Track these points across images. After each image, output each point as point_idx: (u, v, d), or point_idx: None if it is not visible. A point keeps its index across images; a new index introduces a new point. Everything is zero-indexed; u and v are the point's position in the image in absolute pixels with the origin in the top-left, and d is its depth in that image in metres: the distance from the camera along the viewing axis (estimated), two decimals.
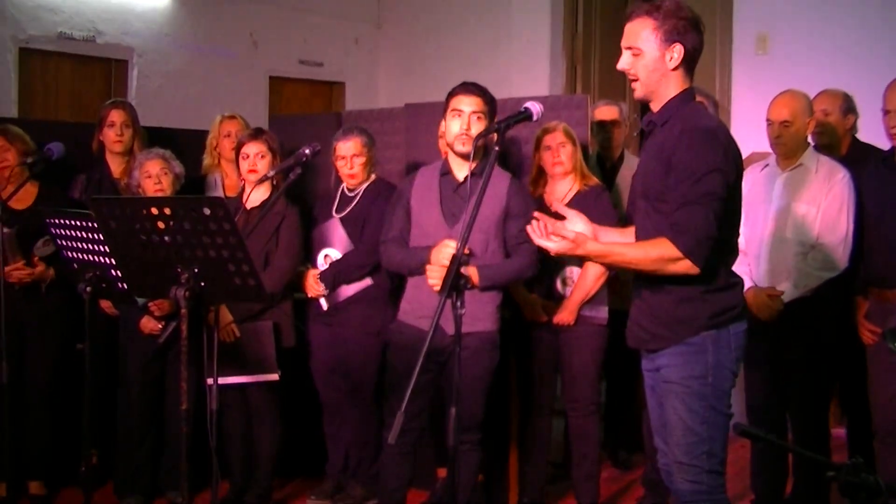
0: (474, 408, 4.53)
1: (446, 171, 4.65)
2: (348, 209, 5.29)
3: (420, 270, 4.48)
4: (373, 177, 5.35)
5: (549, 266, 5.04)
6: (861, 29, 7.13)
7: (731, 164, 3.41)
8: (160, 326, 5.21)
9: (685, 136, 3.39)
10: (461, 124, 4.50)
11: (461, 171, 4.60)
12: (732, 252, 3.57)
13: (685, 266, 3.34)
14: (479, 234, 4.35)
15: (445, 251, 4.33)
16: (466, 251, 4.35)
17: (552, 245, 3.40)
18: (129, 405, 5.39)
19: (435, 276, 4.36)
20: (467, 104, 4.52)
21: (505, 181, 4.60)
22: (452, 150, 4.58)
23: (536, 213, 3.50)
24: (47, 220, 4.38)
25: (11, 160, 5.23)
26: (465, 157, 4.54)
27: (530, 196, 4.81)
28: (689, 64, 3.49)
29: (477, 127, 4.50)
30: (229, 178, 5.91)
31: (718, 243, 3.38)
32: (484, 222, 4.38)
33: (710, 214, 3.34)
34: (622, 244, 3.49)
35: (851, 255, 4.73)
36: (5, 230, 4.88)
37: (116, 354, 5.44)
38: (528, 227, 3.44)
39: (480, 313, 4.48)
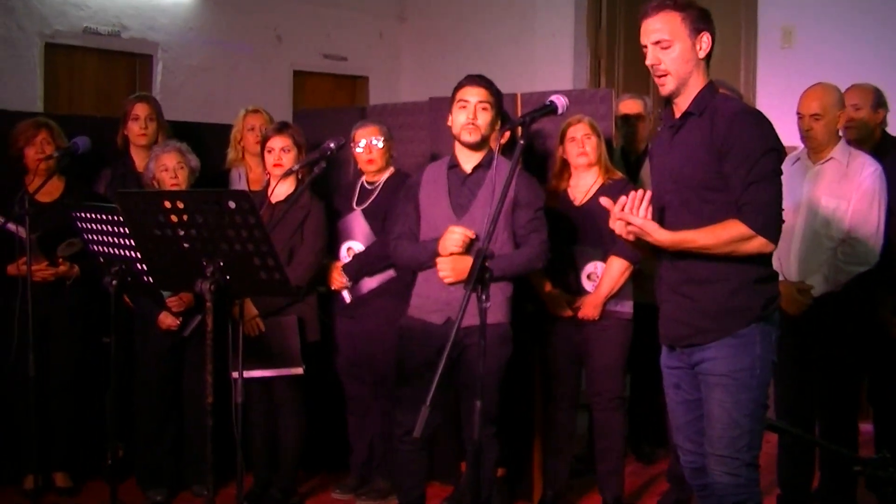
0: (489, 401, 4.51)
1: (454, 164, 4.66)
2: (369, 201, 5.31)
3: (431, 263, 4.49)
4: (391, 169, 5.36)
5: (573, 261, 5.04)
6: (887, 22, 7.08)
7: (782, 145, 3.46)
8: (178, 322, 5.23)
9: (737, 120, 3.42)
10: (467, 114, 4.52)
11: (468, 162, 4.61)
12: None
13: (759, 244, 3.38)
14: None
15: (452, 238, 4.36)
16: (474, 236, 4.38)
17: (621, 227, 3.44)
18: (146, 399, 5.42)
19: (445, 268, 4.37)
20: (473, 95, 4.54)
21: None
22: (459, 140, 4.59)
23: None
24: (73, 214, 4.39)
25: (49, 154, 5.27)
26: (471, 147, 4.56)
27: (539, 186, 4.79)
28: (710, 54, 3.52)
29: (483, 117, 4.53)
30: (253, 171, 5.92)
31: None
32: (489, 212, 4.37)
33: (778, 191, 3.41)
34: (689, 231, 3.45)
35: (882, 249, 4.69)
36: (31, 236, 4.91)
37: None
38: (623, 197, 3.44)
39: (491, 305, 4.46)
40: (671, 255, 3.55)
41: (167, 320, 5.24)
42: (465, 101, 4.53)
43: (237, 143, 5.97)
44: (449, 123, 4.63)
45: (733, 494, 3.52)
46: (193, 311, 5.18)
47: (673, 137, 3.60)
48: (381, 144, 5.28)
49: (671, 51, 3.47)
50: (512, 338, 4.63)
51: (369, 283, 5.30)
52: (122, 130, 5.69)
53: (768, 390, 3.57)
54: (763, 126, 3.44)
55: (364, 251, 5.27)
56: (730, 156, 3.40)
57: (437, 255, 4.43)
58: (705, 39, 3.48)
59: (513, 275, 4.57)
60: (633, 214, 3.41)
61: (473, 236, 4.41)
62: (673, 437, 3.90)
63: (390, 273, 5.22)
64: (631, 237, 3.49)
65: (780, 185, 3.43)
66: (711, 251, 3.43)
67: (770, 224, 3.39)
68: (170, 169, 5.24)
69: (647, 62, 3.54)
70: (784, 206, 3.48)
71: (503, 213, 4.50)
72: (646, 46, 3.53)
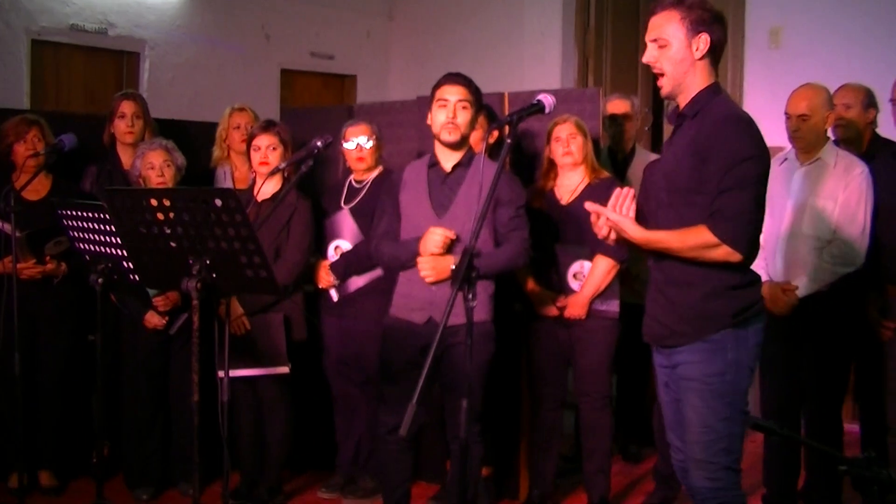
0: (474, 399, 4.49)
1: (434, 163, 4.63)
2: (357, 200, 5.31)
3: (412, 263, 4.47)
4: (380, 168, 5.37)
5: (559, 260, 5.04)
6: (874, 22, 7.09)
7: (766, 152, 3.42)
8: (165, 321, 5.21)
9: (720, 125, 3.39)
10: (447, 113, 4.49)
11: (448, 161, 4.58)
12: (757, 247, 3.51)
13: (724, 253, 3.35)
14: (471, 224, 4.31)
15: (433, 239, 4.36)
16: (454, 236, 4.36)
17: (602, 220, 3.46)
18: (133, 397, 5.41)
19: (426, 267, 4.37)
20: (452, 93, 4.50)
21: (494, 170, 4.58)
22: (439, 139, 4.56)
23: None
24: (59, 212, 4.38)
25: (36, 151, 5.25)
26: (451, 146, 4.54)
27: (519, 184, 4.76)
28: (714, 56, 3.50)
29: (462, 116, 4.50)
30: (239, 170, 5.91)
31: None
32: (475, 212, 4.33)
33: (750, 199, 3.36)
34: (661, 232, 3.46)
35: (868, 250, 4.70)
36: (17, 234, 4.89)
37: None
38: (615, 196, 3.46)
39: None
40: (655, 255, 3.55)
41: (154, 319, 5.23)
42: (445, 99, 4.50)
43: (223, 142, 5.96)
44: (428, 122, 4.60)
45: (714, 499, 3.51)
46: (180, 310, 5.17)
47: (671, 138, 3.61)
48: (370, 144, 5.28)
49: (666, 49, 3.46)
50: (494, 336, 4.62)
51: (357, 282, 5.29)
52: (108, 128, 5.67)
53: (747, 395, 3.55)
54: (747, 132, 3.40)
55: (352, 250, 5.27)
56: (710, 160, 3.37)
57: (418, 254, 4.43)
58: (703, 40, 3.44)
59: (495, 272, 4.55)
60: (616, 211, 3.42)
61: (454, 237, 4.40)
62: (664, 434, 3.90)
63: (378, 272, 5.21)
64: (612, 234, 3.49)
65: (756, 193, 3.38)
66: (678, 255, 3.43)
67: (737, 233, 3.35)
68: (156, 167, 5.22)
69: (643, 58, 3.54)
70: (771, 206, 3.48)
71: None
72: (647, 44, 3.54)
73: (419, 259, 4.42)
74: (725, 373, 3.45)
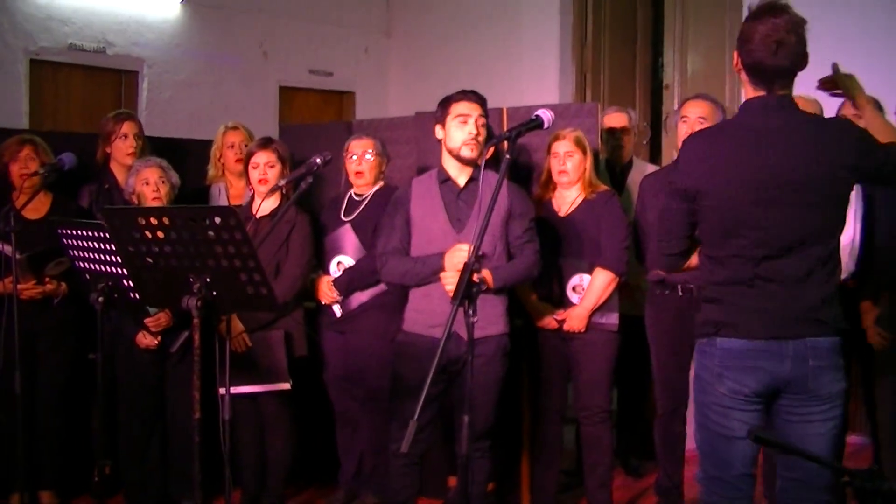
0: (486, 415, 4.50)
1: (445, 178, 4.61)
2: (356, 213, 5.31)
3: (433, 278, 4.45)
4: (381, 183, 5.37)
5: (558, 273, 5.04)
6: (874, 35, 7.09)
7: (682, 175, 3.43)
8: (156, 342, 5.21)
9: None
10: (470, 130, 4.47)
11: (461, 176, 4.57)
12: (722, 263, 3.39)
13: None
14: (488, 237, 4.30)
15: (459, 255, 4.30)
16: (480, 253, 4.37)
17: None
18: (130, 414, 5.39)
19: (452, 281, 4.34)
20: (472, 109, 4.49)
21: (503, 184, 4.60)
22: (458, 155, 4.52)
23: None
24: (59, 231, 4.37)
25: (34, 170, 5.26)
26: (467, 163, 4.53)
27: (528, 196, 4.79)
28: (747, 74, 3.58)
29: (482, 133, 4.51)
30: (234, 187, 5.91)
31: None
32: (491, 226, 4.33)
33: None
34: None
35: (859, 258, 4.69)
36: (18, 255, 4.89)
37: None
38: None
39: (491, 316, 4.45)
40: None
41: (144, 340, 5.22)
42: (466, 115, 4.47)
43: (217, 160, 5.96)
44: (439, 137, 4.59)
45: None
46: (178, 328, 5.17)
47: None
48: (371, 158, 5.28)
49: None
50: (509, 350, 4.61)
51: (360, 297, 5.28)
52: (103, 147, 5.69)
53: (719, 413, 3.39)
54: None
55: (354, 265, 5.26)
56: None
57: (441, 269, 4.41)
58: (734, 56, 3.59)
59: (513, 284, 4.58)
60: None
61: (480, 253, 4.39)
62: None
63: (381, 287, 5.18)
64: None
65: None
66: None
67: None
68: (151, 183, 5.23)
69: None
70: None
71: (499, 224, 4.50)
72: None
73: (444, 274, 4.39)
74: (696, 381, 3.49)
